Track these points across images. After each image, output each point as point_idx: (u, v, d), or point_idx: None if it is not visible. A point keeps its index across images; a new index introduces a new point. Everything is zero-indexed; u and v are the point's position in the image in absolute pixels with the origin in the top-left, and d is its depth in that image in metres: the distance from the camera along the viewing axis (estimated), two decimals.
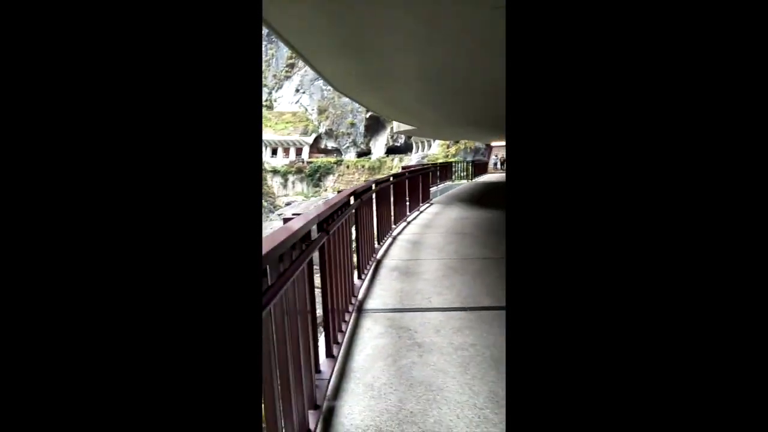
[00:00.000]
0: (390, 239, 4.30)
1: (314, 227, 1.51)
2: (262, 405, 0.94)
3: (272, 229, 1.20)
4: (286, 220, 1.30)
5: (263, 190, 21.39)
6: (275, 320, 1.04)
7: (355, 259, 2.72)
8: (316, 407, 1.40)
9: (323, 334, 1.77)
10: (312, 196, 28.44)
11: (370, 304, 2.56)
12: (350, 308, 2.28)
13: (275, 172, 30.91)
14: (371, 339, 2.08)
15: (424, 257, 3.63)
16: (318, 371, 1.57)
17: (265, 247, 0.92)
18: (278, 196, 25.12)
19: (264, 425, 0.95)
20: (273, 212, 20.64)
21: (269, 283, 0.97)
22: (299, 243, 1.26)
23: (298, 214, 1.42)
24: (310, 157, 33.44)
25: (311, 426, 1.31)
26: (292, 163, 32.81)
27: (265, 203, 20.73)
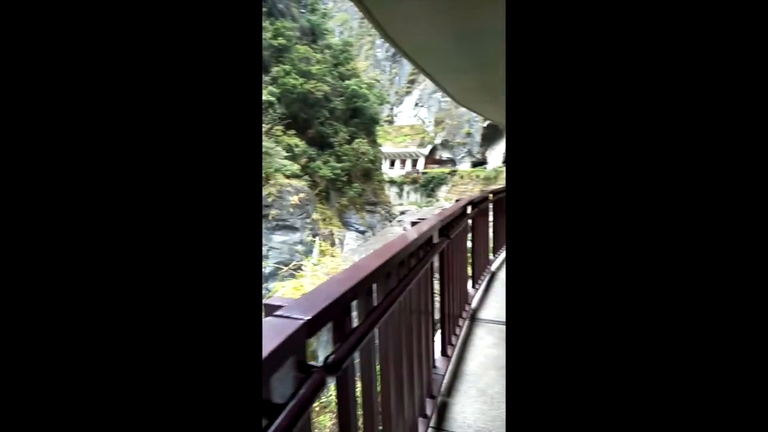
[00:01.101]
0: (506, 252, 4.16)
1: (436, 233, 1.66)
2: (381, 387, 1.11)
3: (392, 234, 1.38)
4: (413, 224, 1.49)
5: (381, 199, 22.83)
6: (403, 310, 1.22)
7: (469, 269, 2.77)
8: (432, 397, 1.53)
9: (438, 333, 1.90)
10: (425, 206, 29.09)
11: (483, 314, 2.57)
12: (464, 314, 2.34)
13: (392, 182, 32.80)
14: (483, 348, 2.11)
15: None
16: (434, 366, 1.70)
17: (393, 249, 1.09)
18: (394, 205, 26.64)
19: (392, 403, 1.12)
20: (390, 221, 21.86)
21: (399, 277, 1.14)
22: (424, 245, 1.42)
23: (423, 219, 1.60)
24: (424, 168, 34.38)
25: (428, 412, 1.44)
26: (408, 174, 34.32)
27: (382, 211, 22.10)
